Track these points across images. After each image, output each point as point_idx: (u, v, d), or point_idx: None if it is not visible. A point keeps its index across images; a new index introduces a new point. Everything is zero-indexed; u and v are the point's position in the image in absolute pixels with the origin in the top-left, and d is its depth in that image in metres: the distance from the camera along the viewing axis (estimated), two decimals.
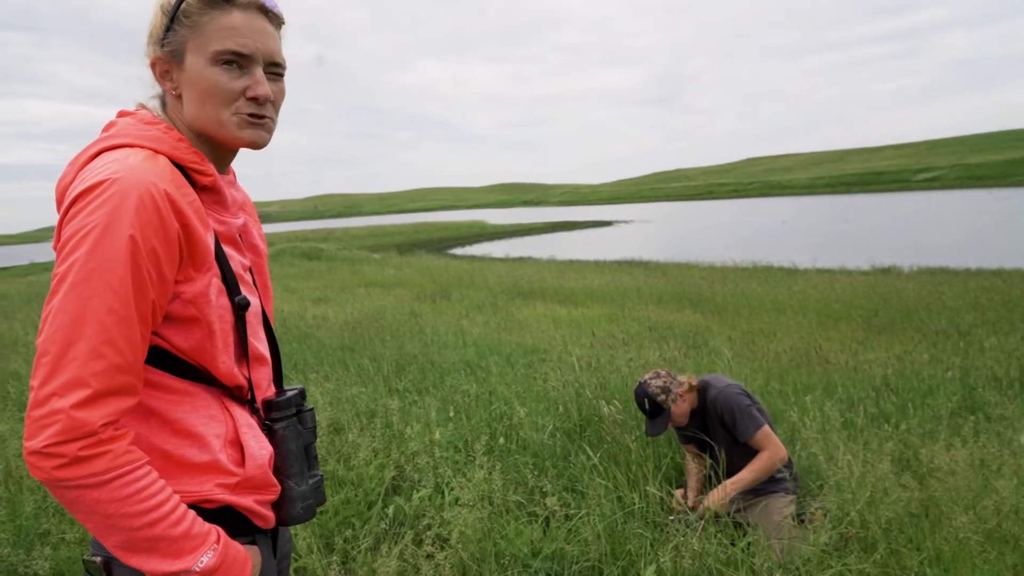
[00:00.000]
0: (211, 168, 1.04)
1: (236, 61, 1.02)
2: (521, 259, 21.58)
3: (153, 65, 1.04)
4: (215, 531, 0.99)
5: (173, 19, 1.01)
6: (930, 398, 4.21)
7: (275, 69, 1.07)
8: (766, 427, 2.76)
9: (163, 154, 0.99)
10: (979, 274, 11.44)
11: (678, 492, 2.99)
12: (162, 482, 0.94)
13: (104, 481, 0.86)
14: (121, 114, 1.07)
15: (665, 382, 2.89)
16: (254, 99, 1.04)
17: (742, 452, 2.79)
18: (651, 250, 22.26)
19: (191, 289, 0.97)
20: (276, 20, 1.07)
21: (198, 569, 0.93)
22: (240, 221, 1.13)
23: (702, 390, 2.94)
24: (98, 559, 1.00)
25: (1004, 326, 6.64)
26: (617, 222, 52.61)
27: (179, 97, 1.05)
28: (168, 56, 1.03)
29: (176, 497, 0.95)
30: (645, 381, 2.93)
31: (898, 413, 3.96)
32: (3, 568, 2.55)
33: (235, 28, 1.01)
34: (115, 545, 0.91)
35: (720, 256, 16.36)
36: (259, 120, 1.06)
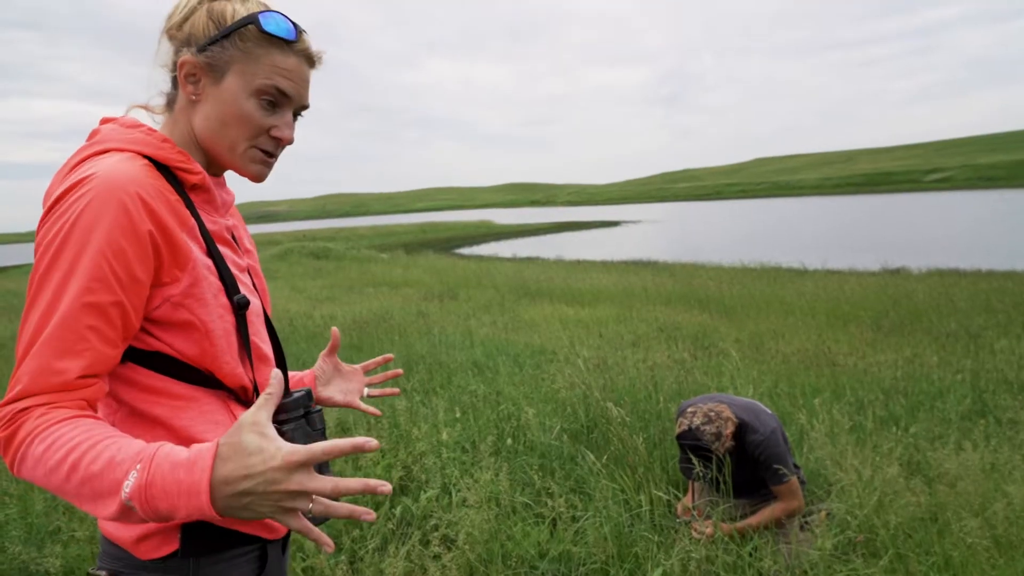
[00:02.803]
0: (197, 167, 1.03)
1: (276, 100, 1.04)
2: (528, 259, 21.57)
3: (181, 65, 1.02)
4: (147, 448, 0.82)
5: (228, 36, 1.00)
6: (940, 401, 4.18)
7: (300, 112, 1.09)
8: (792, 481, 2.67)
9: (146, 155, 0.98)
10: (990, 276, 11.36)
11: (680, 504, 2.95)
12: (83, 428, 0.83)
13: (25, 447, 0.84)
14: (104, 120, 1.06)
15: (717, 428, 2.67)
16: (277, 140, 1.06)
17: (752, 472, 2.76)
18: (659, 250, 22.22)
19: (178, 288, 0.96)
20: (315, 66, 1.09)
21: (127, 494, 0.78)
22: (230, 222, 1.13)
23: (741, 428, 2.74)
24: (103, 572, 0.99)
25: (1015, 328, 6.59)
26: (625, 222, 52.55)
27: (194, 103, 1.04)
28: (205, 65, 1.01)
29: (101, 433, 0.84)
30: (697, 428, 2.67)
31: (907, 416, 3.94)
32: (15, 565, 2.57)
33: (288, 70, 1.03)
34: (73, 501, 0.85)
35: (728, 257, 16.31)
36: (269, 159, 1.08)
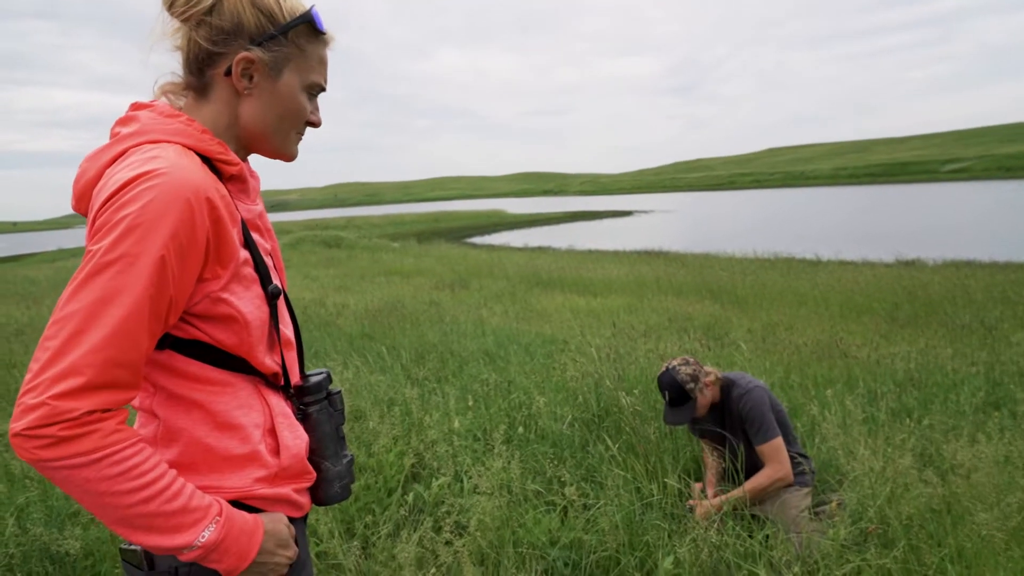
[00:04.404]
0: (235, 157, 1.03)
1: (316, 92, 1.12)
2: (540, 249, 21.55)
3: (240, 60, 1.01)
4: (216, 503, 0.96)
5: (285, 32, 1.03)
6: (954, 393, 4.15)
7: None
8: (776, 441, 2.70)
9: (190, 148, 0.97)
10: (1007, 267, 11.23)
11: (696, 485, 2.99)
12: (157, 458, 0.91)
13: (93, 460, 0.84)
14: (136, 106, 1.04)
15: (694, 370, 2.79)
16: (311, 124, 1.14)
17: (746, 444, 2.79)
18: (671, 241, 22.12)
19: (218, 285, 0.97)
20: None
21: (200, 544, 0.92)
22: (259, 208, 1.14)
23: (726, 386, 2.86)
24: (139, 548, 0.99)
25: None
26: (637, 212, 52.32)
27: (241, 96, 1.04)
28: (269, 62, 1.03)
29: (173, 472, 0.92)
30: (674, 367, 2.82)
31: (920, 408, 3.92)
32: (36, 546, 2.62)
33: (324, 63, 1.11)
34: (112, 522, 0.89)
35: (741, 247, 16.21)
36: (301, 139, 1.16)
